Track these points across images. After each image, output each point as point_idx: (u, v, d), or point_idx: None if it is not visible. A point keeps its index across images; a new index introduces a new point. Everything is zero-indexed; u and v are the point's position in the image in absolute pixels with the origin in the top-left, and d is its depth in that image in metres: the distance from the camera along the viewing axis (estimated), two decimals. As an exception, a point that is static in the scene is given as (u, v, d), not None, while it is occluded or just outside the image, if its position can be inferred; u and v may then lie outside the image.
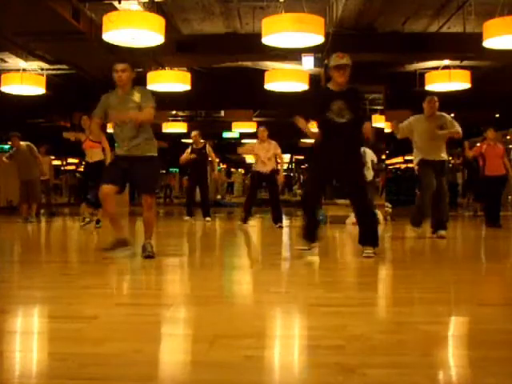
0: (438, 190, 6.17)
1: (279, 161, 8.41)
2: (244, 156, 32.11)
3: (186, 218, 9.60)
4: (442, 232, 6.23)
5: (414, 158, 6.53)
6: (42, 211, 11.20)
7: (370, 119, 5.00)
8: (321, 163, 4.75)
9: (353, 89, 4.73)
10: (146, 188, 4.64)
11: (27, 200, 9.54)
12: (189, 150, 9.60)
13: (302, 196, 5.08)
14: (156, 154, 4.63)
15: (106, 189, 4.48)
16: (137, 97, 4.51)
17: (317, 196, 4.95)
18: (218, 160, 10.16)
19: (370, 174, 9.17)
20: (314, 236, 4.86)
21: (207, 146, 9.62)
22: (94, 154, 7.79)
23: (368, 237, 4.65)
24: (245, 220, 8.27)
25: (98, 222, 7.86)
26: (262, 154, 8.10)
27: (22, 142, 9.53)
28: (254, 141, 8.57)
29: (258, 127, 8.84)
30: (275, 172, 8.22)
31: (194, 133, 9.73)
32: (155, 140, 4.71)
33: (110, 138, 5.15)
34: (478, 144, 9.33)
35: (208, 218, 9.44)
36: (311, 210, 4.86)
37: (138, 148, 4.51)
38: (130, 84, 4.57)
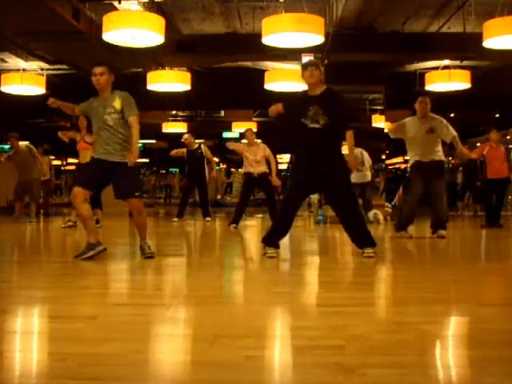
0: (435, 190, 6.16)
1: (271, 162, 8.21)
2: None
3: (175, 219, 9.47)
4: (442, 232, 6.23)
5: (409, 159, 6.51)
6: (41, 211, 11.21)
7: (350, 121, 4.82)
8: (301, 175, 4.62)
9: (328, 91, 4.58)
10: (131, 192, 4.56)
11: (22, 199, 9.52)
12: (184, 150, 9.53)
13: (283, 202, 4.92)
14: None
15: (77, 191, 4.47)
16: (117, 103, 4.46)
17: (295, 206, 4.76)
18: (216, 159, 10.10)
19: (368, 175, 9.18)
20: (277, 242, 4.77)
21: (202, 146, 9.54)
22: (86, 155, 7.74)
23: (364, 239, 4.56)
24: (234, 222, 8.14)
25: (97, 221, 7.84)
26: (251, 156, 8.04)
27: (20, 143, 9.53)
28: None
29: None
30: (266, 174, 8.13)
31: (185, 136, 9.63)
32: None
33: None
34: (478, 144, 9.34)
35: (208, 218, 9.39)
36: (286, 217, 4.73)
37: (117, 152, 4.46)
38: (109, 88, 4.54)
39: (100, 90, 4.53)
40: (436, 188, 6.17)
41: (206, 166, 9.51)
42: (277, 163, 8.73)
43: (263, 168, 8.13)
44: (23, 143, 9.57)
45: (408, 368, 1.88)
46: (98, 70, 4.49)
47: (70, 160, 27.79)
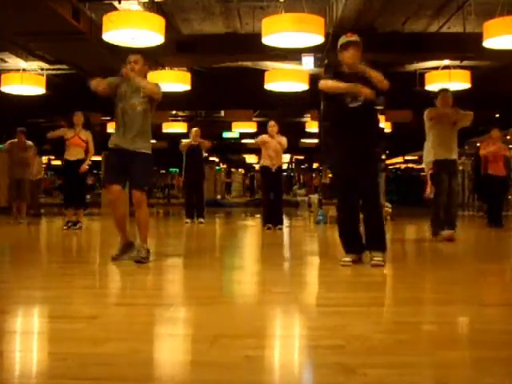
0: (451, 189, 6.07)
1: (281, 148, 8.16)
2: (244, 156, 32.12)
3: (187, 220, 9.32)
4: (451, 232, 6.07)
5: (424, 157, 6.35)
6: (32, 211, 11.14)
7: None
8: (341, 162, 4.32)
9: (366, 67, 4.27)
10: (142, 184, 4.46)
11: (16, 199, 9.44)
12: (188, 140, 9.44)
13: (338, 206, 4.47)
14: (149, 152, 4.51)
15: (116, 190, 4.36)
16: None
17: (353, 200, 4.32)
18: (207, 142, 9.84)
19: None
20: (359, 246, 4.31)
21: (201, 142, 9.44)
22: (76, 152, 7.71)
23: (376, 240, 4.23)
24: (268, 222, 7.96)
25: (76, 223, 7.79)
26: (272, 146, 7.97)
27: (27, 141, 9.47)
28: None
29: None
30: (281, 170, 8.12)
31: (195, 129, 9.55)
32: (150, 137, 4.58)
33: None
34: (478, 144, 9.34)
35: (201, 220, 9.29)
36: (350, 218, 4.33)
37: (137, 141, 4.38)
38: (142, 77, 4.44)
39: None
40: (452, 187, 6.09)
41: (204, 166, 9.46)
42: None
43: (280, 161, 8.12)
44: (28, 142, 9.49)
45: (408, 368, 1.88)
46: (132, 57, 4.40)
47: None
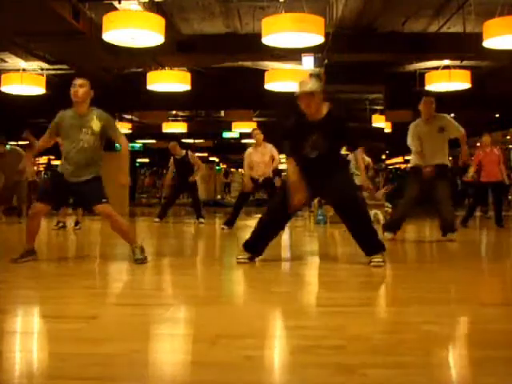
0: (439, 193, 6.02)
1: (274, 162, 8.02)
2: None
3: (157, 219, 9.36)
4: (452, 235, 6.08)
5: (411, 160, 6.28)
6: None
7: (357, 140, 4.43)
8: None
9: (330, 116, 4.14)
10: (95, 200, 4.36)
11: (8, 202, 9.45)
12: (171, 160, 9.48)
13: (267, 211, 4.61)
14: (99, 175, 4.41)
15: (40, 207, 4.40)
16: (95, 124, 4.26)
17: (282, 217, 4.46)
18: (203, 165, 9.97)
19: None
20: (260, 249, 4.48)
21: (189, 153, 9.46)
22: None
23: (373, 245, 4.23)
24: (229, 223, 8.04)
25: (76, 223, 7.83)
26: (258, 159, 7.89)
27: (8, 146, 9.53)
28: (254, 141, 8.44)
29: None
30: (271, 179, 7.98)
31: (172, 143, 9.54)
32: (100, 162, 4.47)
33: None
34: (478, 144, 9.35)
35: (201, 220, 9.31)
36: (270, 225, 4.49)
37: (83, 173, 4.31)
38: (87, 104, 4.33)
39: (76, 103, 4.31)
40: (440, 191, 6.01)
41: (194, 171, 9.47)
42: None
43: (268, 171, 7.99)
44: (13, 146, 9.57)
45: (408, 368, 1.88)
46: (78, 81, 4.30)
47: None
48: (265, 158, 7.93)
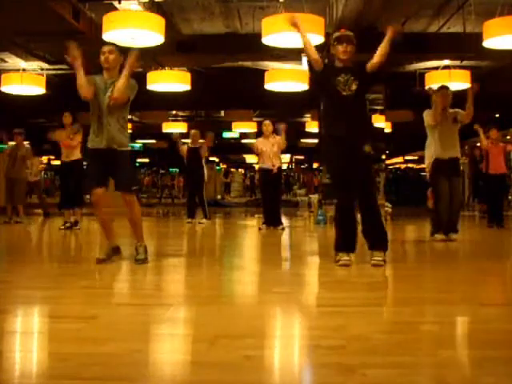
0: (453, 189, 5.97)
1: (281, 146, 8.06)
2: (244, 156, 32.12)
3: (189, 220, 9.31)
4: (454, 235, 6.04)
5: (426, 157, 6.14)
6: (42, 211, 11.22)
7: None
8: (337, 159, 4.29)
9: (359, 64, 4.34)
10: (129, 185, 4.38)
11: (12, 200, 9.43)
12: (185, 147, 9.43)
13: (337, 205, 4.43)
14: (130, 149, 4.41)
15: (99, 192, 4.28)
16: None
17: (351, 198, 4.30)
18: (216, 159, 9.92)
19: None
20: (354, 245, 4.33)
21: (203, 146, 9.40)
22: (71, 153, 7.69)
23: (378, 239, 4.24)
24: (267, 223, 7.95)
25: (76, 223, 7.82)
26: (268, 148, 7.91)
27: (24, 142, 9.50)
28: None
29: (262, 122, 8.54)
30: (281, 170, 8.06)
31: (193, 131, 9.55)
32: (128, 131, 4.47)
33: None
34: (478, 144, 9.34)
35: (203, 220, 9.28)
36: (348, 216, 4.31)
37: (113, 140, 4.28)
38: (116, 70, 4.30)
39: (107, 69, 4.30)
40: (455, 186, 6.00)
41: (204, 166, 9.43)
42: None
43: (279, 162, 8.04)
44: (25, 142, 9.52)
45: (408, 368, 1.88)
46: (107, 47, 4.33)
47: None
48: (274, 149, 7.95)
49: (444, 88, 6.18)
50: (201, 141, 9.60)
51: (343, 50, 4.30)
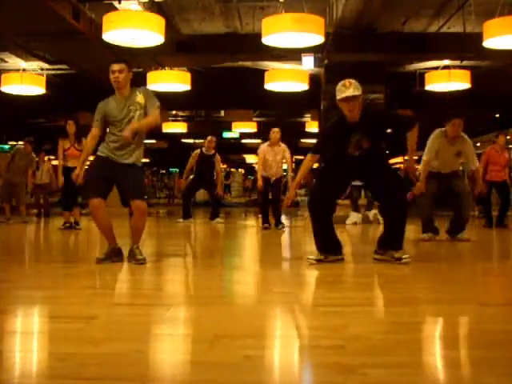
0: (459, 190, 6.02)
1: (287, 165, 8.07)
2: (244, 156, 32.10)
3: (180, 220, 9.36)
4: (464, 235, 6.11)
5: (421, 170, 6.07)
6: (42, 211, 11.24)
7: (406, 119, 4.42)
8: (337, 173, 4.35)
9: (368, 113, 4.22)
10: (137, 193, 4.34)
11: (11, 201, 9.48)
12: (197, 151, 9.38)
13: (310, 202, 4.46)
14: (140, 162, 4.42)
15: (96, 202, 4.26)
16: (140, 97, 4.24)
17: (328, 201, 4.38)
18: (223, 172, 9.85)
19: None
20: (333, 246, 4.37)
21: (217, 155, 9.37)
22: (75, 161, 7.67)
23: (398, 239, 4.29)
24: (266, 222, 8.01)
25: (76, 223, 7.84)
26: (271, 158, 7.86)
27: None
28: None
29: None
30: (281, 179, 8.00)
31: (210, 137, 9.38)
32: (142, 145, 4.45)
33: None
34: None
35: (218, 220, 9.34)
36: (321, 215, 4.36)
37: (129, 155, 4.27)
38: (128, 85, 4.28)
39: (118, 88, 4.25)
40: (460, 188, 6.03)
41: (214, 173, 9.39)
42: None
43: (280, 171, 8.01)
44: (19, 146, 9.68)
45: (408, 368, 1.88)
46: (116, 67, 4.20)
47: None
48: (277, 158, 7.92)
49: (456, 117, 5.93)
50: (198, 141, 9.56)
51: (349, 109, 4.13)
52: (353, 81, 4.09)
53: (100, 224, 4.41)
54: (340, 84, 4.13)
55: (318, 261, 4.23)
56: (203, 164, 9.27)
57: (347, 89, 4.05)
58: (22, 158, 9.44)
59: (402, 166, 29.56)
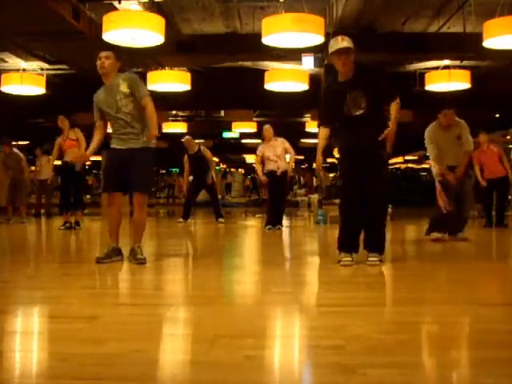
0: (464, 189, 6.02)
1: (289, 155, 8.05)
2: (244, 156, 32.11)
3: (180, 219, 9.36)
4: (464, 234, 6.11)
5: (433, 167, 6.10)
6: (42, 211, 11.24)
7: (392, 91, 4.20)
8: (350, 163, 4.25)
9: (361, 69, 4.16)
10: (139, 186, 4.39)
11: (14, 202, 9.50)
12: (185, 157, 9.44)
13: (341, 203, 4.40)
14: (150, 146, 4.46)
15: (111, 196, 4.38)
16: (124, 86, 4.26)
17: (356, 199, 4.25)
18: (216, 160, 9.95)
19: None
20: (355, 244, 4.29)
21: (201, 147, 9.46)
22: (73, 153, 7.67)
23: (376, 242, 4.24)
24: (270, 223, 7.93)
25: (77, 223, 7.84)
26: (271, 153, 7.87)
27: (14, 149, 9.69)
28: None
29: (262, 126, 8.51)
30: (287, 173, 7.94)
31: (185, 138, 9.50)
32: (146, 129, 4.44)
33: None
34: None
35: (221, 219, 9.34)
36: (351, 215, 4.29)
37: (132, 140, 4.34)
38: (113, 73, 4.33)
39: (104, 74, 4.32)
40: (465, 187, 6.04)
41: (206, 171, 9.38)
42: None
43: (284, 164, 7.95)
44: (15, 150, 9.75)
45: (408, 368, 1.88)
46: (103, 53, 4.31)
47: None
48: (277, 152, 7.88)
49: (447, 108, 6.01)
50: (197, 141, 9.59)
51: (343, 63, 4.11)
52: (345, 36, 4.13)
53: (110, 218, 4.48)
54: (333, 39, 4.17)
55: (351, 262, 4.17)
56: (195, 164, 9.34)
57: (340, 42, 4.09)
58: (9, 158, 9.53)
59: (401, 166, 29.53)
